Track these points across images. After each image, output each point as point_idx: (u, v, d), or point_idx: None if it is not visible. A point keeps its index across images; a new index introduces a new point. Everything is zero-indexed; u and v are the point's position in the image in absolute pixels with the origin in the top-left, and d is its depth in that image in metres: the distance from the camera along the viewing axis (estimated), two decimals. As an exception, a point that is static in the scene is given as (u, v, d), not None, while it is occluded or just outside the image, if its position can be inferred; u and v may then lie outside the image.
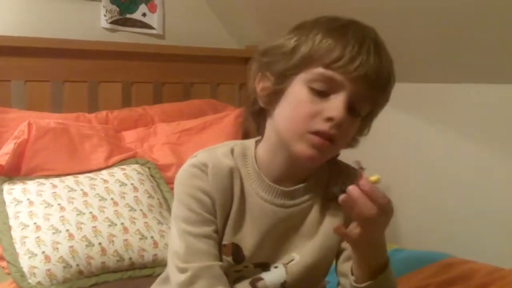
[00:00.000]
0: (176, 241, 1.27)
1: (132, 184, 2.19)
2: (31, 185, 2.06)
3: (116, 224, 2.01)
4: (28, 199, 2.01)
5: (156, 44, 2.93)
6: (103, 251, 1.94)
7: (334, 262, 1.39)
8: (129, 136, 2.52)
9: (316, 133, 1.19)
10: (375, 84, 1.20)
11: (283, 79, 1.24)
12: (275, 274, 1.32)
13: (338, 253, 1.37)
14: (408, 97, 2.73)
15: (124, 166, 2.29)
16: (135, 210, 2.09)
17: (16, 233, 1.93)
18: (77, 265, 1.88)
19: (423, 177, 2.72)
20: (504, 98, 2.40)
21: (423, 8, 2.28)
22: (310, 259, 1.33)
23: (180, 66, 2.87)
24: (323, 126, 1.18)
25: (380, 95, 1.25)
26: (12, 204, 2.00)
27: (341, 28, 1.21)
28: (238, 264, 1.31)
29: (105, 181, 2.16)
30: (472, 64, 2.38)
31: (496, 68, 2.33)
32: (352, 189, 1.12)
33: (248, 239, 1.29)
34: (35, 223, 1.94)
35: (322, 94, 1.20)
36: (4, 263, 1.93)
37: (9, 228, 1.95)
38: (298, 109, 1.22)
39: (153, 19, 2.96)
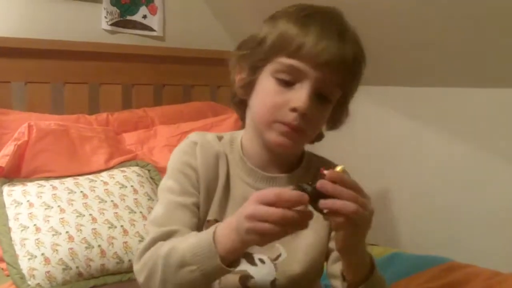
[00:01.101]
0: (157, 208, 1.31)
1: (132, 186, 2.19)
2: (31, 187, 2.06)
3: (116, 227, 2.01)
4: (28, 200, 2.00)
5: (157, 46, 2.94)
6: (103, 253, 1.94)
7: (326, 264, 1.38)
8: (129, 138, 2.53)
9: (285, 122, 1.22)
10: (340, 69, 1.21)
11: (255, 70, 1.28)
12: (264, 270, 1.32)
13: (327, 254, 1.36)
14: (410, 101, 2.74)
15: (124, 168, 2.29)
16: (135, 213, 2.09)
17: (16, 235, 1.93)
18: (77, 267, 1.89)
19: (423, 181, 2.72)
20: (506, 102, 2.39)
21: (421, 12, 2.28)
22: (299, 257, 1.32)
23: (180, 68, 2.88)
24: (288, 117, 1.21)
25: (348, 80, 1.26)
26: (12, 205, 2.00)
27: (305, 17, 1.23)
28: None
29: (105, 183, 2.16)
30: (473, 68, 2.38)
31: (497, 72, 2.33)
32: (322, 183, 1.05)
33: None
34: (35, 224, 1.94)
35: (287, 83, 1.22)
36: (3, 265, 1.93)
37: (9, 229, 1.95)
38: (265, 99, 1.25)
39: (153, 21, 2.96)
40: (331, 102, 1.26)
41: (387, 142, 2.87)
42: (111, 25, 2.80)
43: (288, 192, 1.03)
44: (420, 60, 2.52)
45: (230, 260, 1.11)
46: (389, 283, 1.92)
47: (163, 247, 1.18)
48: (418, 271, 2.12)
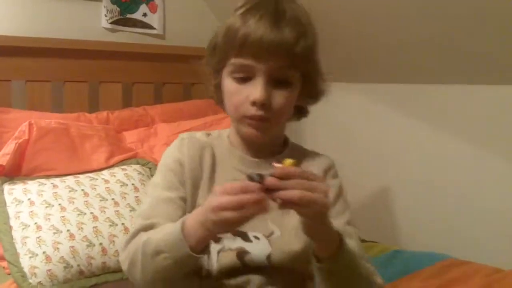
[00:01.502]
0: (143, 203, 1.42)
1: (133, 184, 2.19)
2: (32, 185, 2.06)
3: (117, 224, 2.01)
4: (29, 199, 2.01)
5: (157, 44, 2.94)
6: (104, 251, 1.94)
7: None
8: (130, 136, 2.53)
9: (250, 117, 1.32)
10: (283, 54, 1.28)
11: (216, 74, 1.40)
12: (259, 245, 1.38)
13: None
14: (411, 99, 2.74)
15: (125, 167, 2.30)
16: (136, 210, 2.08)
17: (17, 233, 1.93)
18: (78, 265, 1.89)
19: (422, 178, 2.72)
20: (506, 99, 2.40)
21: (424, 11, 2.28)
22: (290, 232, 1.38)
23: (180, 66, 2.87)
24: (251, 111, 1.31)
25: (299, 61, 1.31)
26: (12, 204, 2.00)
27: (246, 10, 1.32)
28: None
29: (106, 181, 2.16)
30: (475, 65, 2.38)
31: (498, 69, 2.33)
32: (269, 180, 1.12)
33: None
34: (35, 223, 1.94)
35: (244, 80, 1.32)
36: (4, 263, 1.93)
37: (10, 228, 1.95)
38: (230, 99, 1.36)
39: (153, 19, 2.96)
40: (292, 83, 1.33)
41: (387, 140, 2.87)
42: (111, 23, 2.80)
43: (241, 182, 1.13)
44: (421, 58, 2.52)
45: (201, 248, 1.20)
46: (390, 281, 1.94)
47: (142, 237, 1.28)
48: (419, 268, 2.13)
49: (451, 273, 2.08)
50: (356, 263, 1.30)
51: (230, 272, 1.37)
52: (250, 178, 1.13)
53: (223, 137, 1.48)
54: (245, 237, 1.39)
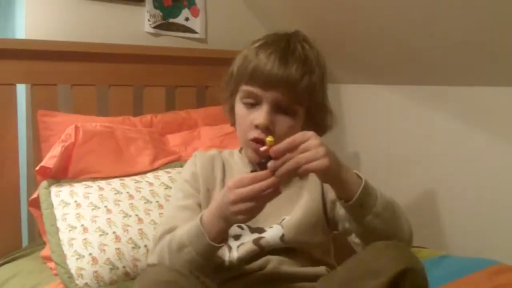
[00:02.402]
0: (164, 214, 1.68)
1: (177, 187, 2.19)
2: (78, 188, 2.09)
3: (161, 227, 2.02)
4: (75, 201, 2.03)
5: (199, 48, 2.95)
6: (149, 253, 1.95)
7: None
8: (174, 140, 2.54)
9: (253, 139, 1.50)
10: (288, 88, 1.46)
11: (231, 99, 1.60)
12: (273, 230, 1.54)
13: (332, 203, 1.57)
14: (458, 101, 2.70)
15: (169, 169, 2.31)
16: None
17: (63, 235, 1.96)
18: (124, 267, 1.91)
19: (471, 182, 2.67)
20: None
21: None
22: (299, 214, 1.56)
23: (223, 70, 2.87)
24: (255, 133, 1.49)
25: (303, 96, 1.49)
26: (59, 206, 2.03)
27: (260, 46, 1.52)
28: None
29: (151, 184, 2.18)
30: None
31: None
32: (270, 164, 1.25)
33: None
34: (82, 225, 1.96)
35: (252, 105, 1.51)
36: (52, 264, 1.96)
37: (57, 229, 1.98)
38: (239, 122, 1.56)
39: (195, 23, 2.98)
40: (297, 113, 1.51)
41: (433, 142, 2.83)
42: (154, 27, 2.83)
43: (248, 174, 1.28)
44: (469, 59, 2.48)
45: (220, 239, 1.35)
46: (435, 286, 1.91)
47: (167, 238, 1.45)
48: (466, 274, 2.08)
49: (500, 279, 2.03)
50: (385, 196, 1.37)
51: (250, 258, 1.52)
52: (255, 170, 1.33)
53: (234, 153, 1.70)
54: (261, 231, 1.55)
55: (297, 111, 1.50)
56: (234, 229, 1.52)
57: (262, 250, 1.52)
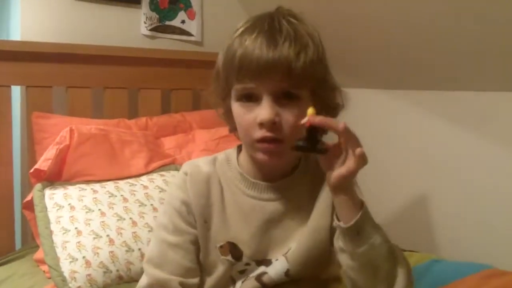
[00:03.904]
0: (152, 246, 1.42)
1: (171, 190, 2.19)
2: (72, 190, 2.08)
3: (155, 230, 2.02)
4: (69, 204, 2.02)
5: (195, 51, 2.95)
6: (143, 256, 1.93)
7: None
8: (168, 142, 2.54)
9: (260, 140, 1.27)
10: (284, 71, 1.23)
11: (224, 101, 1.37)
12: (277, 265, 1.39)
13: (332, 234, 1.39)
14: (450, 105, 2.71)
15: (163, 172, 2.31)
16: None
17: (57, 238, 1.95)
18: (117, 270, 1.90)
19: (462, 186, 2.68)
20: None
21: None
22: (305, 242, 1.39)
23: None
24: (261, 133, 1.26)
25: (303, 77, 1.26)
26: (53, 209, 2.02)
27: (240, 34, 1.28)
28: (238, 261, 1.38)
29: (145, 187, 2.17)
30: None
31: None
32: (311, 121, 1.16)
33: (242, 235, 1.37)
34: (76, 228, 1.95)
35: (251, 102, 1.28)
36: (45, 267, 1.95)
37: (51, 232, 1.97)
38: (240, 124, 1.32)
39: (191, 26, 2.98)
40: (301, 98, 1.28)
41: (425, 147, 2.84)
42: (150, 30, 2.82)
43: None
44: (460, 65, 2.49)
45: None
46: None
47: None
48: (458, 278, 2.08)
49: (491, 283, 2.03)
50: (378, 227, 1.28)
51: None
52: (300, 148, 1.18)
53: (232, 162, 1.44)
54: (267, 263, 1.40)
55: (301, 95, 1.28)
56: (239, 265, 1.39)
57: (264, 287, 1.41)
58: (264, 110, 1.24)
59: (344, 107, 1.40)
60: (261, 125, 1.25)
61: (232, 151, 1.46)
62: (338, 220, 1.24)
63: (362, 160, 1.15)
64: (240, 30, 1.29)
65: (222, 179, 1.41)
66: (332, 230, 1.39)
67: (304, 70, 1.25)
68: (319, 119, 1.15)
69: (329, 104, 1.37)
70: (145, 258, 1.42)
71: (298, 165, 1.42)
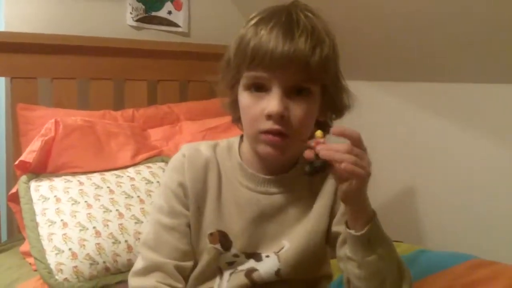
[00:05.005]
0: (148, 228, 1.40)
1: (158, 182, 2.18)
2: (58, 182, 2.07)
3: (142, 222, 2.01)
4: (55, 196, 2.01)
5: (182, 42, 2.94)
6: (130, 248, 1.95)
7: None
8: (155, 134, 2.53)
9: (266, 131, 1.25)
10: (299, 65, 1.22)
11: (232, 89, 1.35)
12: (268, 263, 1.37)
13: (333, 239, 1.39)
14: (436, 98, 2.71)
15: (150, 164, 2.30)
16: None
17: (43, 230, 1.94)
18: (104, 262, 1.89)
19: (448, 178, 2.69)
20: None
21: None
22: (299, 243, 1.37)
23: (205, 64, 2.86)
24: (267, 125, 1.24)
25: (317, 72, 1.24)
26: (39, 201, 2.01)
27: (255, 24, 1.26)
28: (227, 251, 1.37)
29: (132, 178, 2.17)
30: (503, 64, 2.35)
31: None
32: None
33: (234, 225, 1.36)
34: (62, 220, 1.94)
35: (260, 93, 1.26)
36: (31, 260, 1.94)
37: (37, 224, 1.96)
38: (246, 114, 1.30)
39: (178, 17, 2.96)
40: (312, 94, 1.27)
41: (412, 139, 2.85)
42: (136, 21, 2.81)
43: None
44: (447, 57, 2.49)
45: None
46: (414, 280, 1.91)
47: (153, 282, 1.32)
48: (443, 268, 2.10)
49: (477, 273, 2.04)
50: (388, 238, 1.28)
51: None
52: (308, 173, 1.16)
53: (233, 151, 1.42)
54: (257, 258, 1.38)
55: (312, 91, 1.26)
56: (228, 256, 1.37)
57: (253, 285, 1.38)
58: (273, 102, 1.22)
59: (350, 108, 1.40)
60: (269, 117, 1.23)
61: (234, 140, 1.44)
62: (349, 228, 1.24)
63: (365, 176, 1.16)
64: (256, 19, 1.28)
65: (221, 166, 1.40)
66: (329, 235, 1.39)
67: (319, 65, 1.23)
68: (328, 154, 1.14)
69: (337, 104, 1.36)
70: (141, 240, 1.41)
71: (298, 161, 1.40)
